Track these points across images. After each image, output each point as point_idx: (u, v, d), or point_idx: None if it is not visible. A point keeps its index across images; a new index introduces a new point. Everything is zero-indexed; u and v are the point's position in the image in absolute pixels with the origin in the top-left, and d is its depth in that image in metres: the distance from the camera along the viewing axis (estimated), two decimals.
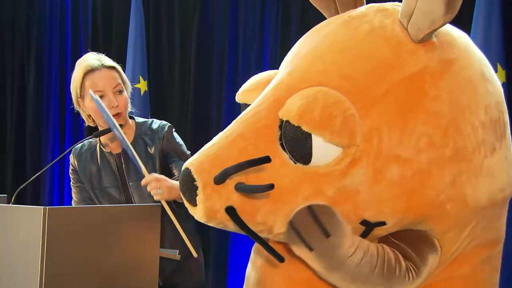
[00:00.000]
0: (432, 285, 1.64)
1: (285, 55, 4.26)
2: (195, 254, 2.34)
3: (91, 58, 2.65)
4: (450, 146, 1.53)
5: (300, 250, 1.49)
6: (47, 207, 1.88)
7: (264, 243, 1.51)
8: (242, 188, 1.49)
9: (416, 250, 1.58)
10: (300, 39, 1.81)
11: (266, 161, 1.49)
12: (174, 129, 2.74)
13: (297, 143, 1.50)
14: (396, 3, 1.71)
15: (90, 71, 2.59)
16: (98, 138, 2.72)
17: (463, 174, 1.55)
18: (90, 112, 2.65)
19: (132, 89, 4.18)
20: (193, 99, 4.60)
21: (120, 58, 4.79)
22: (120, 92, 2.61)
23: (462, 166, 1.55)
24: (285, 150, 1.53)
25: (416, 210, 1.54)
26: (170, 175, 2.64)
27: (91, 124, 2.72)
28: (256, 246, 1.82)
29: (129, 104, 2.69)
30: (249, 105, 1.68)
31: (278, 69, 4.24)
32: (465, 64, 1.62)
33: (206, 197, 1.49)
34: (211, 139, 4.62)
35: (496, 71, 2.97)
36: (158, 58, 4.70)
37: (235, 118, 4.64)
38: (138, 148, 2.66)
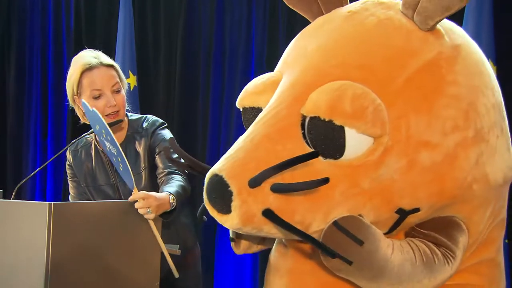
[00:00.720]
0: (465, 270, 1.66)
1: (272, 54, 4.24)
2: (176, 275, 2.28)
3: (89, 56, 2.60)
4: (471, 127, 1.56)
5: (341, 269, 1.47)
6: (52, 202, 1.89)
7: (314, 240, 1.48)
8: (287, 188, 1.45)
9: (447, 235, 1.59)
10: (297, 38, 1.80)
11: (314, 156, 1.46)
12: (164, 126, 2.70)
13: (328, 138, 1.48)
14: None
15: (88, 69, 2.54)
16: (94, 135, 2.68)
17: (484, 154, 1.58)
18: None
19: None
20: (179, 95, 4.58)
21: (104, 51, 4.78)
22: (118, 91, 2.58)
23: (482, 146, 1.58)
24: (310, 147, 1.51)
25: (448, 193, 1.55)
26: (155, 167, 2.62)
27: (87, 122, 2.64)
28: (277, 253, 1.78)
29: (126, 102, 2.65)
30: (256, 108, 1.68)
31: (265, 67, 4.23)
32: (470, 49, 1.66)
33: (242, 202, 1.45)
34: (198, 134, 4.61)
35: None
36: (144, 54, 4.64)
37: (221, 114, 4.58)
38: (130, 146, 2.63)
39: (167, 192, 2.33)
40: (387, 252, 1.48)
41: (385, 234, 1.58)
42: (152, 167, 2.63)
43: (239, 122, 4.25)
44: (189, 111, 4.55)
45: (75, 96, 2.60)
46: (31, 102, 5.26)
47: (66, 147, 2.68)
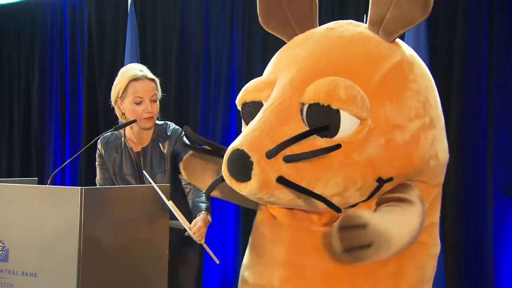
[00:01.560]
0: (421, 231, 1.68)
1: (250, 62, 4.22)
2: (216, 261, 2.38)
3: (136, 69, 2.66)
4: (427, 116, 1.62)
5: (365, 256, 1.43)
6: (83, 187, 1.88)
7: (322, 198, 1.50)
8: (300, 156, 1.46)
9: (406, 193, 1.63)
10: (283, 51, 1.82)
11: (325, 129, 1.50)
12: (184, 133, 2.75)
13: (326, 120, 1.52)
14: (351, 20, 1.79)
15: (134, 79, 2.60)
16: (123, 133, 2.73)
17: (435, 137, 1.65)
18: (125, 111, 2.65)
19: None
20: (174, 100, 4.57)
21: (111, 67, 4.77)
22: (155, 101, 2.64)
23: (434, 131, 1.65)
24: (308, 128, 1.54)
25: (415, 165, 1.61)
26: (179, 172, 2.65)
27: (124, 121, 2.70)
28: (269, 225, 1.76)
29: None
30: (257, 101, 1.69)
31: (244, 74, 4.21)
32: (418, 58, 1.73)
33: (261, 170, 1.46)
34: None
35: None
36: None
37: (209, 114, 4.58)
38: (155, 148, 2.68)
39: (204, 212, 2.50)
40: (385, 220, 1.50)
41: (363, 201, 1.64)
42: (173, 169, 2.69)
43: (224, 120, 4.28)
44: (182, 112, 4.54)
45: (118, 99, 2.65)
46: (51, 107, 5.23)
47: (94, 140, 2.68)
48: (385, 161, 1.56)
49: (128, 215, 2.08)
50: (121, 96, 2.64)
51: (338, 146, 1.47)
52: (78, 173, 5.00)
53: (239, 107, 1.76)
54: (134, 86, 2.60)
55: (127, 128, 2.70)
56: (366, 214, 1.46)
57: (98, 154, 2.77)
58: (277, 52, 1.84)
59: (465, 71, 3.50)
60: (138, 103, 2.60)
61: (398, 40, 1.68)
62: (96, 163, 2.78)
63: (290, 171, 1.48)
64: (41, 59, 5.29)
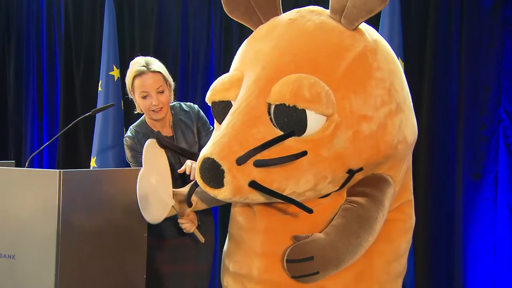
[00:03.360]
0: (391, 211, 1.73)
1: (227, 53, 4.19)
2: (202, 240, 2.35)
3: (140, 63, 2.59)
4: (393, 102, 1.63)
5: (317, 278, 1.55)
6: (61, 170, 1.84)
7: (293, 200, 1.52)
8: (270, 162, 1.46)
9: (377, 189, 1.66)
10: (248, 42, 1.79)
11: (291, 135, 1.50)
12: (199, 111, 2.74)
13: (293, 119, 1.51)
14: (315, 6, 1.76)
15: (138, 75, 2.55)
16: (147, 125, 2.65)
17: (403, 121, 1.67)
18: (139, 104, 2.61)
19: (107, 76, 4.09)
20: None
21: (89, 50, 4.68)
22: (162, 92, 2.56)
23: (401, 115, 1.66)
24: (277, 128, 1.53)
25: (383, 153, 1.62)
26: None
27: (141, 112, 2.66)
28: (245, 215, 1.78)
29: (171, 98, 2.64)
30: (225, 101, 1.67)
31: (222, 65, 4.16)
32: (383, 42, 1.72)
33: (233, 177, 1.47)
34: None
35: None
36: (123, 52, 4.52)
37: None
38: (181, 124, 2.64)
39: None
40: (335, 241, 1.54)
41: (336, 190, 1.63)
42: (201, 145, 2.60)
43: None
44: None
45: (130, 91, 2.63)
46: (28, 91, 5.12)
47: (74, 121, 2.63)
48: (353, 153, 1.58)
49: (107, 198, 2.05)
50: (131, 89, 2.63)
51: (304, 153, 1.48)
52: (56, 156, 4.91)
53: (209, 104, 1.75)
54: (139, 81, 2.56)
55: (147, 120, 2.65)
56: (314, 244, 1.53)
57: (133, 154, 2.63)
58: (243, 43, 1.82)
59: (436, 61, 3.52)
60: (144, 97, 2.57)
61: (361, 26, 1.67)
62: (131, 159, 2.64)
63: (261, 175, 1.49)
64: (17, 43, 5.18)
